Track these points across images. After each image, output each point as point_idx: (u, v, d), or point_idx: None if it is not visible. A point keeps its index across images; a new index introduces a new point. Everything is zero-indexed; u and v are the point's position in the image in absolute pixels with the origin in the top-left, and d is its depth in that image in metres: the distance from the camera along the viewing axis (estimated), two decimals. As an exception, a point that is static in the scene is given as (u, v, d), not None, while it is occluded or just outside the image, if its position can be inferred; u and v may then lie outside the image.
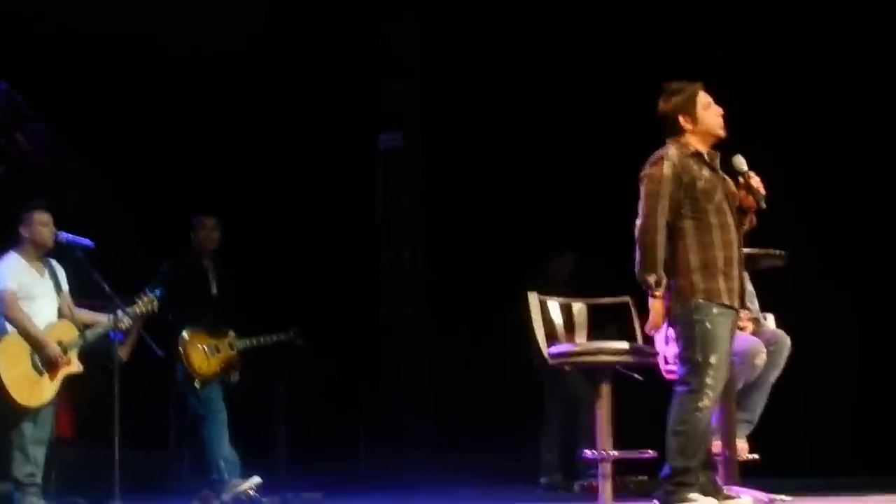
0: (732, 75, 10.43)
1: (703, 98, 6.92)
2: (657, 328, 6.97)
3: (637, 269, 6.75)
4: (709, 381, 6.63)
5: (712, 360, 6.64)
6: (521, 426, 10.84)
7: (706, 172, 6.81)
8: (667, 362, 7.10)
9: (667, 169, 6.75)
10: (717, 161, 6.90)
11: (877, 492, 7.97)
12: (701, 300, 6.69)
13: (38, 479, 8.39)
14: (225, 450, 9.42)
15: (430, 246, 13.43)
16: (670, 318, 6.86)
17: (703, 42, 11.73)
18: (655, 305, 6.84)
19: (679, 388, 6.74)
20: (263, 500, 9.33)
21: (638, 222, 6.77)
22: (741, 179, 6.91)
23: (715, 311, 6.69)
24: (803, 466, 9.72)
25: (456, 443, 12.03)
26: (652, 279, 6.74)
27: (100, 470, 8.70)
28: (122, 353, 9.11)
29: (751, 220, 7.03)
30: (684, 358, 6.75)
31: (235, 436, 9.55)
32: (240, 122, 12.69)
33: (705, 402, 6.64)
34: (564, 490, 9.89)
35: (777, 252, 7.35)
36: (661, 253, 6.75)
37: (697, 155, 6.83)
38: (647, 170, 6.84)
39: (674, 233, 6.77)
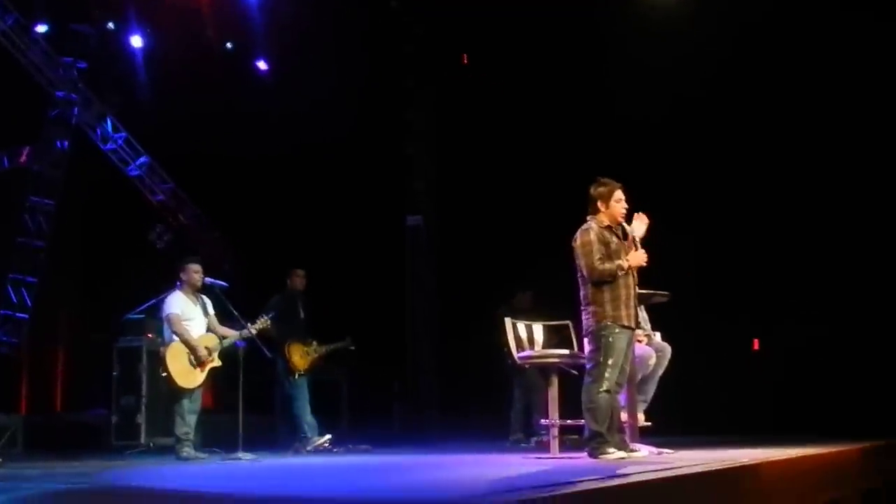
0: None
1: (618, 194, 6.86)
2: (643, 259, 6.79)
3: (609, 279, 6.62)
4: (606, 374, 6.59)
5: (610, 361, 6.60)
6: (497, 403, 10.81)
7: (614, 239, 6.79)
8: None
9: (592, 235, 6.72)
10: (621, 231, 6.86)
11: (728, 447, 7.79)
12: (609, 322, 6.64)
13: (191, 437, 8.39)
14: (308, 417, 9.40)
15: (440, 287, 13.54)
16: (587, 332, 6.77)
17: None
18: (636, 258, 6.73)
19: (587, 379, 6.71)
20: (333, 450, 9.27)
21: (586, 273, 6.65)
22: (631, 238, 6.84)
23: (617, 330, 6.64)
24: (680, 431, 9.64)
25: (457, 414, 11.96)
26: (617, 268, 6.63)
27: (229, 430, 8.57)
28: None
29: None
30: (592, 359, 6.70)
31: (314, 408, 9.49)
32: (322, 215, 12.81)
33: (604, 388, 6.60)
34: (526, 444, 9.75)
35: (663, 292, 7.27)
36: (608, 266, 6.63)
37: (608, 227, 6.80)
38: (578, 238, 6.78)
39: None
